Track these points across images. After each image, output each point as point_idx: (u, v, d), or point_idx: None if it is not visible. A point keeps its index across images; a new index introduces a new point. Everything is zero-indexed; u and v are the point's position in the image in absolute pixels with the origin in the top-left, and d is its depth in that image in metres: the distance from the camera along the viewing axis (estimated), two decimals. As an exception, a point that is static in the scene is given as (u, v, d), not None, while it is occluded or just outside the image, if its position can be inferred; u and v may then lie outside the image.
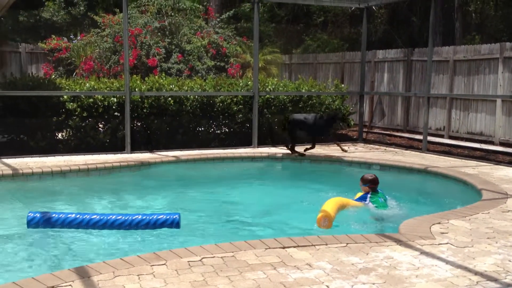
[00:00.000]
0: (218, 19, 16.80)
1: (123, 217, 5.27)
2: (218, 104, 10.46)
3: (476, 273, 3.81)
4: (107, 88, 9.73)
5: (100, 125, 9.83)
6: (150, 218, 5.28)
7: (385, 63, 15.10)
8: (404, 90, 14.38)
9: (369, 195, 6.27)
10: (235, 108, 10.58)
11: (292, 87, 11.52)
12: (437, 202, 6.81)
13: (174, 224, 5.27)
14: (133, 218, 5.27)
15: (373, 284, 3.57)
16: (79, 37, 15.94)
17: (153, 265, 3.80)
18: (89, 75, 12.86)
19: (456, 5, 19.83)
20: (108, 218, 5.25)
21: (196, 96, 10.25)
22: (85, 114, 9.41)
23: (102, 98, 9.49)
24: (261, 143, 10.47)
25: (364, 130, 13.36)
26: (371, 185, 6.32)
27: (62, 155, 8.90)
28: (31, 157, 8.64)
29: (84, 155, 8.96)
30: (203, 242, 4.57)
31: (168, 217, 5.28)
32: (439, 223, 5.08)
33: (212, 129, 10.81)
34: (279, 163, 9.33)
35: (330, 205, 5.62)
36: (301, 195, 7.30)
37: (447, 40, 19.23)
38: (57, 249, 4.93)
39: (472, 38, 19.95)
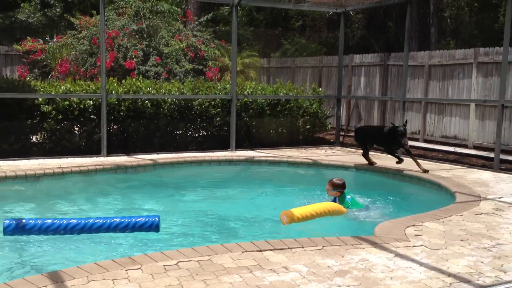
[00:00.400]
0: (197, 22, 16.77)
1: (101, 220, 5.17)
2: (196, 107, 10.44)
3: (450, 274, 3.87)
4: (83, 91, 9.62)
5: (75, 128, 9.71)
6: (129, 220, 5.20)
7: (362, 67, 15.26)
8: (380, 94, 14.55)
9: (337, 199, 6.34)
10: (213, 111, 10.57)
11: (270, 90, 11.58)
12: (411, 205, 6.90)
13: (154, 226, 5.18)
14: (112, 221, 5.17)
15: (348, 286, 3.60)
16: (55, 39, 15.75)
17: (128, 270, 3.76)
18: (65, 78, 12.71)
19: (431, 11, 20.17)
20: (86, 221, 5.15)
21: (174, 99, 10.22)
22: (60, 117, 9.28)
23: (78, 101, 9.39)
24: (239, 146, 10.49)
25: (341, 133, 13.48)
26: (342, 189, 6.39)
27: (37, 159, 8.76)
28: (5, 160, 8.48)
29: (59, 158, 8.84)
30: (179, 246, 4.54)
31: (147, 219, 5.21)
32: (414, 225, 5.15)
33: (190, 132, 10.77)
34: (257, 166, 9.35)
35: (304, 208, 5.72)
36: (278, 198, 7.32)
37: (422, 45, 19.55)
38: (30, 254, 4.84)
39: (447, 43, 20.31)
